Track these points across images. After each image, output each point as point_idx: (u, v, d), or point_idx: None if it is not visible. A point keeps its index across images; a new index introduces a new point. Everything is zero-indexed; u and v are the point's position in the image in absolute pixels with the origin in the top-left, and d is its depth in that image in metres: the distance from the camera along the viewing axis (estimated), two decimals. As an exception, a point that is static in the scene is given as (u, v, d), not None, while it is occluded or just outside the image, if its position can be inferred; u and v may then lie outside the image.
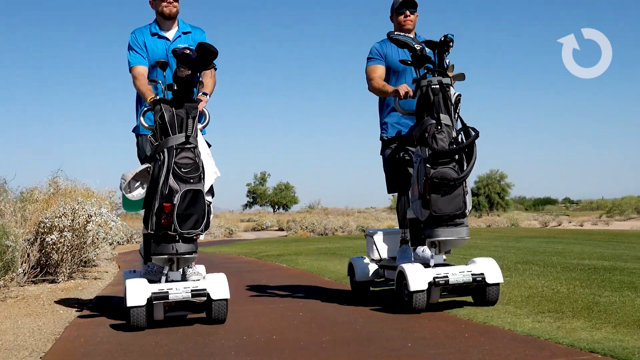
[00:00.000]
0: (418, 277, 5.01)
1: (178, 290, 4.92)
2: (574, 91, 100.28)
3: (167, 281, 5.03)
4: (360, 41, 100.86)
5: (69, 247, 7.48)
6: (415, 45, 5.22)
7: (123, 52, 5.64)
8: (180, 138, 4.90)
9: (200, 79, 5.03)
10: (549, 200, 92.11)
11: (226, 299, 5.03)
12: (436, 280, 5.01)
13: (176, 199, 4.78)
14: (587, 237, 18.95)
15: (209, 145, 5.23)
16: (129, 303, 4.77)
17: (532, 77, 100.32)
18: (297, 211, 66.39)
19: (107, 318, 5.50)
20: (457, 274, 5.07)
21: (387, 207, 69.03)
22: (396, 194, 5.95)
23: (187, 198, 4.82)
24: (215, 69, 5.44)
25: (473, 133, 5.10)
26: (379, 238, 6.23)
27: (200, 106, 5.11)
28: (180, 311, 5.10)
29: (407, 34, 5.47)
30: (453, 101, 5.24)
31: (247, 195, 75.96)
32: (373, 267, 6.16)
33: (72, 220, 7.41)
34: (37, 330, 5.08)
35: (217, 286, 5.03)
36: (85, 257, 8.35)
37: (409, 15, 5.85)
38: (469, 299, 5.44)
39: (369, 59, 5.89)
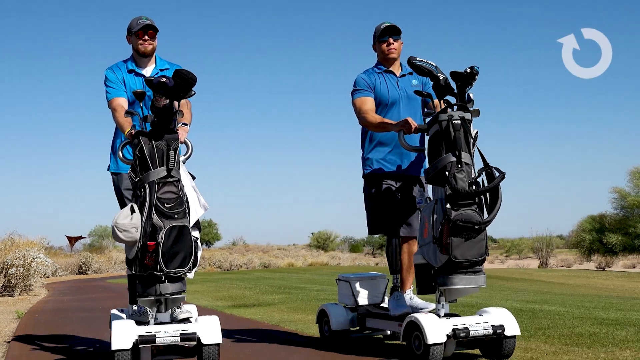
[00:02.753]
0: (436, 329, 4.58)
1: (167, 334, 4.66)
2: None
3: (155, 323, 4.77)
4: (280, 75, 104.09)
5: (21, 276, 12.35)
6: (438, 75, 4.81)
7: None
8: (161, 172, 4.68)
9: (178, 109, 4.78)
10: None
11: (218, 344, 4.72)
12: (456, 332, 4.59)
13: (160, 237, 4.53)
14: None
15: (193, 178, 5.02)
16: (114, 346, 4.51)
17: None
18: (220, 247, 68.99)
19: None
20: (475, 325, 4.69)
21: (306, 245, 74.08)
22: (377, 235, 5.71)
23: (172, 235, 4.56)
24: (194, 93, 4.87)
25: (498, 174, 4.73)
26: (356, 283, 5.75)
27: (181, 137, 4.92)
28: (169, 355, 4.87)
29: (425, 60, 4.98)
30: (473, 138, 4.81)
31: (172, 232, 78.47)
32: (349, 315, 5.75)
33: (23, 261, 12.33)
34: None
35: (209, 330, 4.73)
36: (29, 282, 13.30)
37: (393, 43, 5.50)
38: (476, 351, 5.08)
39: (355, 90, 5.49)
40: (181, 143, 4.91)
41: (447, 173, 4.63)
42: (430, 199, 4.91)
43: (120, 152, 5.02)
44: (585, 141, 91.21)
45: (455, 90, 4.82)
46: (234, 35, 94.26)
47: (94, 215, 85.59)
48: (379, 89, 5.48)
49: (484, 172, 4.79)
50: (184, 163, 5.01)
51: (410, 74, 5.55)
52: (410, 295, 5.33)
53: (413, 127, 4.97)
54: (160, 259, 4.51)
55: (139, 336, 4.57)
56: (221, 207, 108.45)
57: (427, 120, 5.06)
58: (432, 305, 5.05)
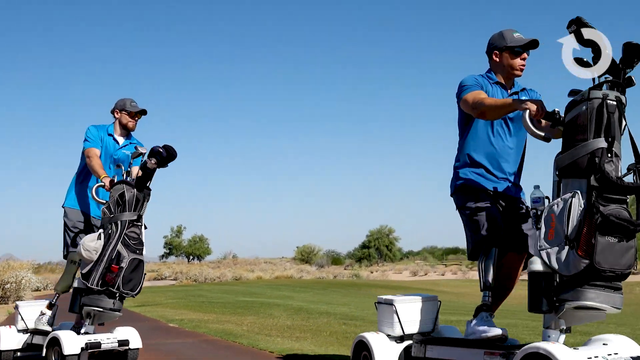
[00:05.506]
0: None
1: (109, 340, 5.64)
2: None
3: (80, 333, 5.66)
4: (267, 94, 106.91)
5: (14, 289, 17.51)
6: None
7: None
8: (133, 215, 5.65)
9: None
10: (457, 249, 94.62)
11: (139, 348, 5.84)
12: None
13: (125, 263, 5.52)
14: (342, 286, 27.44)
15: (145, 228, 5.83)
16: (67, 351, 5.32)
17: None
18: (210, 261, 72.94)
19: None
20: None
21: (291, 258, 77.95)
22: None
23: (132, 264, 5.56)
24: (166, 166, 5.80)
25: None
26: (403, 307, 4.84)
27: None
28: None
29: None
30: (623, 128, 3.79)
31: (164, 247, 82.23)
32: (397, 348, 4.82)
33: (15, 279, 17.51)
34: None
35: (133, 337, 5.83)
36: (21, 294, 18.45)
37: (525, 59, 4.74)
38: None
39: (465, 87, 4.62)
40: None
41: (596, 159, 3.66)
42: (549, 198, 3.97)
43: (93, 192, 5.94)
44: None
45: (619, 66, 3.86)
46: (201, 50, 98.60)
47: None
48: (489, 94, 4.66)
49: (635, 170, 3.76)
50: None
51: (522, 90, 4.89)
52: (482, 318, 4.40)
53: (541, 110, 4.05)
54: (120, 280, 5.51)
55: (87, 342, 5.50)
56: (212, 222, 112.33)
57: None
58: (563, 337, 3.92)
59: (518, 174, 4.83)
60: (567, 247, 3.68)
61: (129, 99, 6.61)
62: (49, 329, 6.16)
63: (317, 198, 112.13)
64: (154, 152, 5.67)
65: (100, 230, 5.69)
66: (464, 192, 4.70)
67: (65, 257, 6.47)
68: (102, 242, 5.61)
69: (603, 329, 4.02)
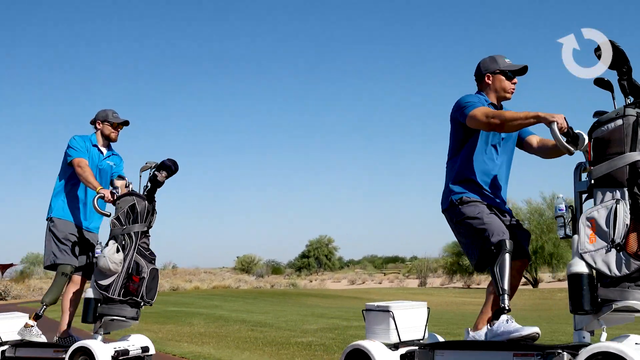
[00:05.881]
0: None
1: (134, 347, 5.88)
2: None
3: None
4: (200, 106, 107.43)
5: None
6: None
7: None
8: (144, 227, 5.83)
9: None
10: (397, 258, 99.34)
11: (152, 354, 6.09)
12: None
13: (145, 273, 5.75)
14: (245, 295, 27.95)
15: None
16: (100, 359, 5.48)
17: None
18: None
19: None
20: None
21: (231, 268, 77.83)
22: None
23: (152, 274, 5.78)
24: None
25: None
26: (400, 313, 4.75)
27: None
28: None
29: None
30: None
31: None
32: (394, 356, 4.70)
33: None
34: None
35: (150, 344, 6.05)
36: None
37: (515, 84, 4.99)
38: None
39: (468, 104, 4.76)
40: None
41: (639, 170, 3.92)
42: (572, 207, 4.22)
43: (95, 203, 5.98)
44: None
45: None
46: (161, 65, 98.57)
47: (26, 242, 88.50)
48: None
49: None
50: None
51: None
52: (506, 319, 4.47)
53: (561, 120, 4.27)
54: (144, 290, 5.74)
55: (116, 350, 5.70)
56: (152, 232, 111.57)
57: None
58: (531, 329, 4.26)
59: (505, 190, 5.03)
60: (614, 250, 3.88)
61: (110, 110, 6.67)
62: (43, 339, 6.25)
63: (259, 208, 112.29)
64: (165, 166, 5.95)
65: (112, 242, 5.83)
66: (463, 205, 4.80)
67: (48, 268, 6.42)
68: (122, 254, 5.78)
69: (615, 331, 4.41)
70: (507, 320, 4.46)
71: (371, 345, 4.68)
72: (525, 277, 47.45)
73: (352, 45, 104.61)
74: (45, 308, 6.34)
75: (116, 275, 5.74)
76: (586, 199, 4.24)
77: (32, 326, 6.31)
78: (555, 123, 4.27)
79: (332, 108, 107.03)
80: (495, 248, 4.55)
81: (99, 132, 6.69)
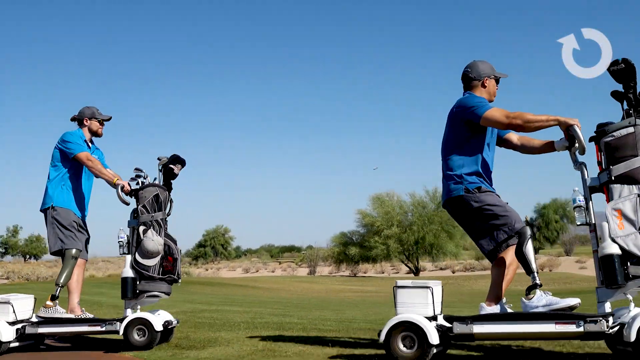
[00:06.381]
0: None
1: (174, 320, 6.44)
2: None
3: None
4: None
5: None
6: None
7: None
8: (164, 215, 6.42)
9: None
10: (293, 247, 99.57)
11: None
12: None
13: (177, 255, 6.39)
14: None
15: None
16: (158, 328, 6.08)
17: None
18: (47, 260, 71.96)
19: None
20: None
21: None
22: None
23: (180, 256, 6.46)
24: None
25: None
26: (437, 289, 4.97)
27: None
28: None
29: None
30: None
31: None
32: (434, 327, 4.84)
33: None
34: None
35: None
36: None
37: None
38: None
39: (480, 104, 5.14)
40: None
41: None
42: (587, 198, 4.71)
43: (120, 193, 6.42)
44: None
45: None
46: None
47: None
48: None
49: None
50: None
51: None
52: (541, 293, 4.90)
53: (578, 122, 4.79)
54: (178, 267, 6.39)
55: (166, 321, 6.24)
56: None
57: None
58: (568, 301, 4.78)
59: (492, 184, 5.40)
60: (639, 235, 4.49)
61: (94, 107, 6.95)
62: (72, 316, 6.50)
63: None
64: (179, 160, 6.58)
65: (143, 227, 6.32)
66: (482, 193, 5.12)
67: (55, 253, 6.66)
68: (162, 238, 6.36)
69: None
70: (544, 294, 4.86)
71: (419, 318, 4.84)
72: (408, 266, 50.32)
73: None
74: (60, 289, 6.56)
75: (157, 255, 6.31)
76: (591, 192, 4.76)
77: (54, 306, 6.56)
78: (577, 126, 4.76)
79: (230, 104, 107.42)
80: (518, 234, 4.96)
81: (86, 128, 6.95)
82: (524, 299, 4.92)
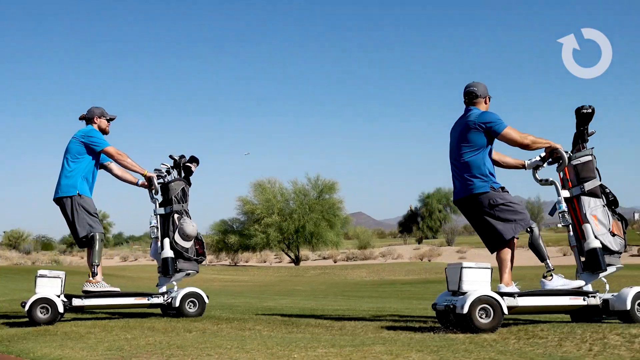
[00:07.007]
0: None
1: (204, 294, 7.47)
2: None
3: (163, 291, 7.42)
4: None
5: None
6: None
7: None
8: (187, 205, 7.56)
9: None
10: None
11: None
12: None
13: (203, 239, 7.61)
14: None
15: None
16: (207, 301, 7.47)
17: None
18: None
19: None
20: None
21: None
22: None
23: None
24: None
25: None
26: (491, 270, 5.81)
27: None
28: None
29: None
30: None
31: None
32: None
33: None
34: None
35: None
36: None
37: None
38: None
39: (499, 120, 6.08)
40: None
41: (606, 189, 6.18)
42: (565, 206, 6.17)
43: (155, 183, 7.56)
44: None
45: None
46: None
47: None
48: None
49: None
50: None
51: None
52: (558, 276, 6.17)
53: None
54: (205, 251, 7.60)
55: (206, 295, 7.50)
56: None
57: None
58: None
59: None
60: (609, 234, 6.05)
61: (101, 107, 7.70)
62: (118, 289, 7.29)
63: (31, 181, 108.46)
64: (195, 159, 7.71)
65: (177, 215, 7.47)
66: (504, 192, 6.12)
67: (85, 237, 7.26)
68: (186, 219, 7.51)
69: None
70: (560, 276, 6.15)
71: (492, 292, 5.62)
72: (289, 255, 49.37)
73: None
74: (96, 267, 7.25)
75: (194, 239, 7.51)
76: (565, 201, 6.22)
77: (99, 281, 7.23)
78: (561, 148, 6.17)
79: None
80: (531, 229, 6.15)
81: (96, 125, 7.58)
82: (544, 280, 6.14)
